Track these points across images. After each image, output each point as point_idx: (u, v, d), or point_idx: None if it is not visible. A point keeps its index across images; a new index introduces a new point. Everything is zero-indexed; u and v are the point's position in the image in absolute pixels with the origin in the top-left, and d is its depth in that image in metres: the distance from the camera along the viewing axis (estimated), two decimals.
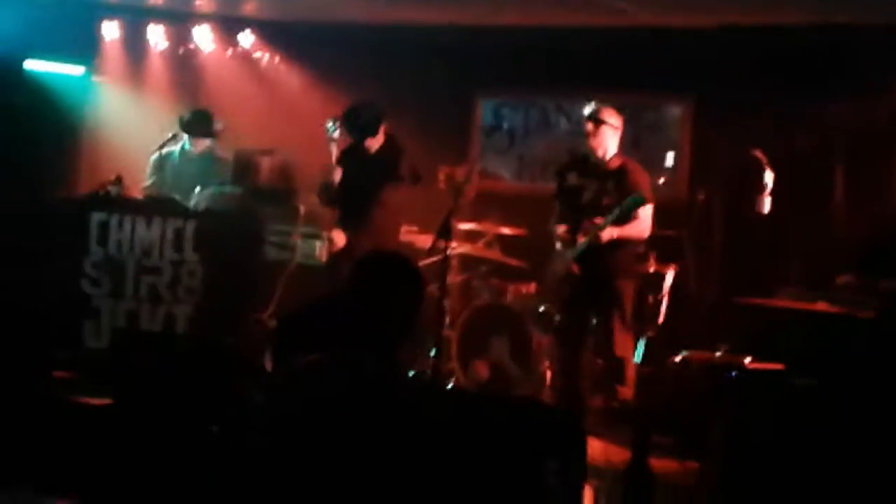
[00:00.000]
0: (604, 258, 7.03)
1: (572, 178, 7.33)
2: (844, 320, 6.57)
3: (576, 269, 7.09)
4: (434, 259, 7.48)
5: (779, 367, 6.55)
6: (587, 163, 7.27)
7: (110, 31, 10.29)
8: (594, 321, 7.19)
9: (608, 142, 7.17)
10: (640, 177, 7.16)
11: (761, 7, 7.66)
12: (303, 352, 3.49)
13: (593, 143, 7.18)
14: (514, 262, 8.54)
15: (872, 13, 7.37)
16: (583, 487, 4.23)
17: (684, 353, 6.97)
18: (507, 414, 4.54)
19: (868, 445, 5.38)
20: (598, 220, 6.96)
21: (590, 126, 7.20)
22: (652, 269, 7.65)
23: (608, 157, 7.18)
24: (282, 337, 3.91)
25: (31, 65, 9.50)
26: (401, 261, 4.06)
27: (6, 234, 7.91)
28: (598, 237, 6.95)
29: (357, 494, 3.29)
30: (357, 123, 7.79)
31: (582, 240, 7.06)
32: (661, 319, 7.64)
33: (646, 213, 7.03)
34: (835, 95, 7.66)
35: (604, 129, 7.16)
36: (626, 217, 6.96)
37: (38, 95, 9.40)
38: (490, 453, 4.08)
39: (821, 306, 6.74)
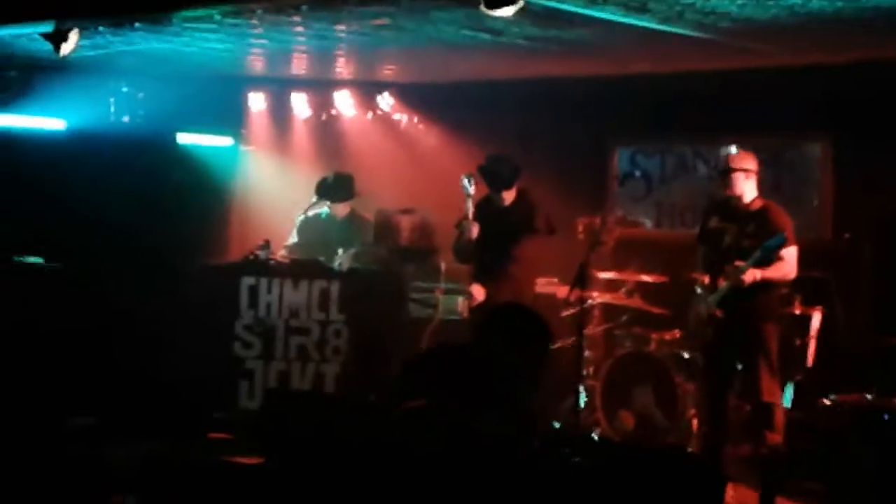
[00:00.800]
0: (747, 301, 6.95)
1: (714, 222, 7.31)
2: None
3: (719, 313, 7.04)
4: (572, 310, 7.51)
5: None
6: (728, 206, 7.23)
7: (256, 101, 10.62)
8: (739, 366, 7.10)
9: (743, 186, 7.12)
10: (782, 218, 7.07)
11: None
12: (416, 397, 3.56)
13: (729, 189, 7.16)
14: (656, 309, 8.48)
15: None
16: None
17: (833, 396, 6.86)
18: (649, 463, 4.52)
19: None
20: (739, 263, 6.91)
21: (726, 175, 7.19)
22: (798, 312, 7.53)
23: (748, 200, 7.15)
24: (401, 382, 3.96)
25: (183, 138, 9.92)
26: (526, 314, 4.10)
27: (164, 302, 8.30)
28: (740, 279, 6.88)
29: None
30: (494, 174, 7.90)
31: (723, 283, 7.01)
32: (809, 363, 7.51)
33: (790, 254, 6.93)
34: None
35: (737, 174, 7.12)
36: (769, 259, 6.88)
37: (191, 167, 9.81)
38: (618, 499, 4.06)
39: None
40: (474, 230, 7.89)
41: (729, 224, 7.17)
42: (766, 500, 5.20)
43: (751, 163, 7.17)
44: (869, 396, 6.73)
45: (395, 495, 3.39)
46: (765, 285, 6.95)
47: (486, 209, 7.96)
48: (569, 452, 3.89)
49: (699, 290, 7.31)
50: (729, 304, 6.99)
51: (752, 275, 6.85)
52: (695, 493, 4.24)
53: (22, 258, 8.57)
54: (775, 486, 5.85)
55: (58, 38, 6.98)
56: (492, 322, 3.92)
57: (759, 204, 7.16)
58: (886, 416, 6.47)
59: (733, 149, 9.07)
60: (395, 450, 3.43)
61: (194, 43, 8.16)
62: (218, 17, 7.17)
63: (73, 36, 6.99)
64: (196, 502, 5.92)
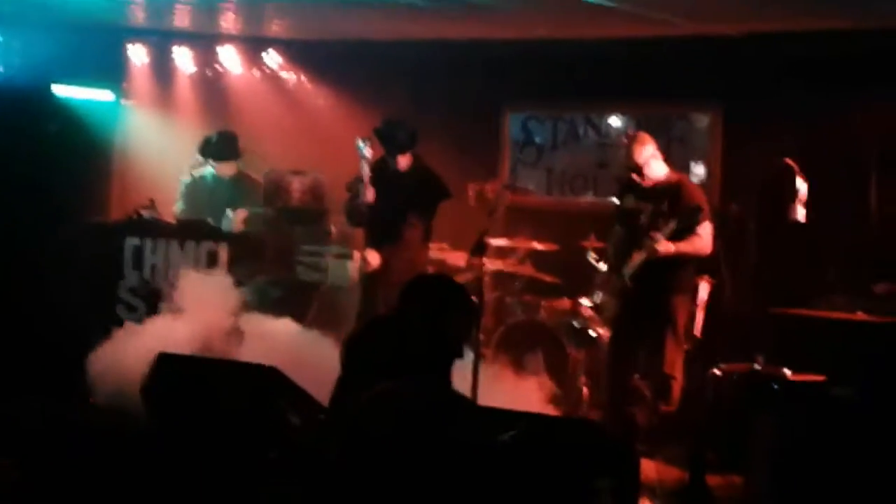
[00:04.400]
0: (660, 274, 7.01)
1: (629, 202, 7.31)
2: (885, 329, 6.57)
3: (630, 286, 7.10)
4: (469, 277, 7.50)
5: (819, 378, 6.57)
6: (641, 185, 7.23)
7: (138, 54, 10.34)
8: (645, 338, 7.17)
9: (651, 164, 7.18)
10: (696, 193, 7.18)
11: (793, 14, 7.63)
12: (369, 377, 3.55)
13: (638, 168, 7.21)
14: (547, 277, 8.50)
15: None
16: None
17: (722, 366, 6.99)
18: (557, 433, 4.58)
19: None
20: (656, 236, 6.93)
21: (629, 158, 7.25)
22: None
23: (660, 177, 7.20)
24: (348, 361, 3.94)
25: (60, 91, 9.61)
26: (452, 285, 4.10)
27: (39, 260, 8.05)
28: (654, 251, 6.94)
29: None
30: (391, 139, 7.82)
31: (638, 257, 7.06)
32: (697, 332, 7.63)
33: (705, 229, 6.98)
34: (869, 102, 7.60)
35: (641, 149, 7.19)
36: (684, 232, 6.93)
37: (68, 121, 9.47)
38: (542, 472, 4.10)
39: (859, 315, 6.74)
40: (369, 193, 7.82)
41: (643, 203, 7.20)
42: (695, 472, 5.26)
43: (653, 145, 7.24)
44: (757, 366, 6.87)
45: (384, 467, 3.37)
46: (678, 259, 7.01)
47: (381, 173, 7.89)
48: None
49: (600, 265, 7.37)
50: (642, 277, 7.04)
51: (666, 247, 6.89)
52: (610, 465, 4.32)
53: None
54: (704, 463, 5.95)
55: None
56: (419, 294, 3.90)
57: (672, 179, 7.22)
58: (776, 386, 6.62)
59: (621, 119, 9.28)
60: (381, 428, 3.41)
61: None
62: None
63: None
64: (79, 466, 5.81)
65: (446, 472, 3.42)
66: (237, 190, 8.89)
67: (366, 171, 7.81)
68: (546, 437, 4.48)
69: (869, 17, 7.49)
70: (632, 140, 7.40)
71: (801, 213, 6.87)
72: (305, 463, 4.48)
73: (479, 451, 3.61)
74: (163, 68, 10.50)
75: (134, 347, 6.92)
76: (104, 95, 9.98)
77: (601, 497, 4.23)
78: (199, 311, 7.31)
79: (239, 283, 7.76)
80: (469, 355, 6.24)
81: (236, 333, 7.16)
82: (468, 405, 3.83)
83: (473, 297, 4.24)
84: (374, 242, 7.88)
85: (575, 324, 7.97)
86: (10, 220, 8.34)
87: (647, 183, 7.21)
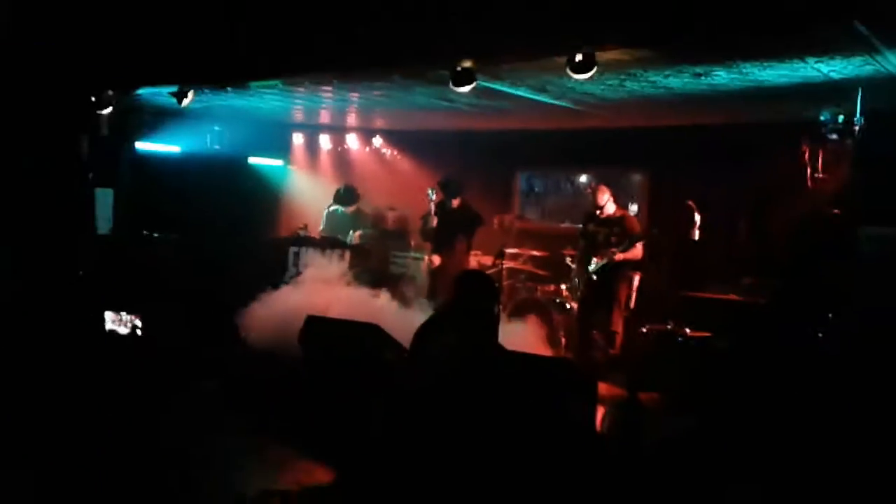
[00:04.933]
0: (613, 271, 6.98)
1: (591, 227, 7.27)
2: (750, 305, 6.47)
3: (595, 278, 7.05)
4: (494, 271, 7.47)
5: (707, 334, 6.47)
6: (600, 217, 7.22)
7: (297, 138, 10.40)
8: (600, 309, 7.08)
9: (608, 207, 7.17)
10: (634, 223, 7.17)
11: (693, 115, 7.55)
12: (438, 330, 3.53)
13: (600, 211, 7.16)
14: (541, 272, 8.41)
15: (763, 116, 7.24)
16: (596, 410, 4.23)
17: (647, 326, 6.91)
18: (546, 366, 4.53)
19: (758, 379, 5.30)
20: (613, 250, 6.91)
21: (597, 210, 7.21)
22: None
23: (611, 213, 7.17)
24: (425, 328, 3.90)
25: (252, 160, 9.73)
26: (485, 277, 4.09)
27: (243, 263, 8.09)
28: (612, 258, 6.90)
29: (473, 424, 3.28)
30: (447, 188, 7.84)
31: (599, 260, 7.01)
32: (632, 306, 7.55)
33: (639, 245, 6.99)
34: (739, 168, 7.49)
35: (604, 205, 7.16)
36: (629, 247, 6.92)
37: (257, 178, 9.62)
38: (536, 389, 4.05)
39: (732, 296, 6.64)
40: (434, 221, 7.84)
41: (601, 228, 7.17)
42: (631, 391, 5.19)
43: (607, 193, 7.21)
44: (669, 326, 6.79)
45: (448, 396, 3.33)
46: (624, 262, 6.99)
47: (441, 209, 7.90)
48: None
49: (572, 265, 7.32)
50: (601, 272, 7.00)
51: (619, 255, 6.91)
52: (577, 388, 4.26)
53: (151, 233, 8.38)
54: (635, 382, 5.86)
55: (181, 95, 6.76)
56: (465, 281, 3.87)
57: (618, 214, 7.18)
58: (680, 338, 6.53)
59: (586, 176, 9.19)
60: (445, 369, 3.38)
61: (262, 100, 7.95)
62: (279, 85, 7.00)
63: (191, 94, 6.78)
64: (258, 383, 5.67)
65: (480, 385, 3.39)
66: (355, 220, 8.94)
67: (432, 208, 7.84)
68: (540, 368, 4.44)
69: (739, 116, 7.38)
70: (595, 189, 7.35)
71: (697, 234, 6.78)
72: (394, 384, 4.44)
73: (504, 374, 3.59)
74: (312, 147, 10.52)
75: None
76: (278, 163, 10.10)
77: (572, 406, 4.18)
78: (324, 288, 7.29)
79: (354, 275, 7.75)
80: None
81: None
82: (499, 348, 3.78)
83: (496, 283, 4.19)
84: (436, 251, 7.89)
85: (557, 300, 7.90)
86: (222, 239, 8.43)
87: (603, 216, 7.16)
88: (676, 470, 3.99)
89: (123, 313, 7.03)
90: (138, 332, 6.97)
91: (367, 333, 5.25)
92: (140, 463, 4.23)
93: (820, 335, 5.27)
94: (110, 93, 7.12)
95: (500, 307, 6.75)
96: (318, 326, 5.70)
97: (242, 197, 8.93)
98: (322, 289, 7.32)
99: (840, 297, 5.35)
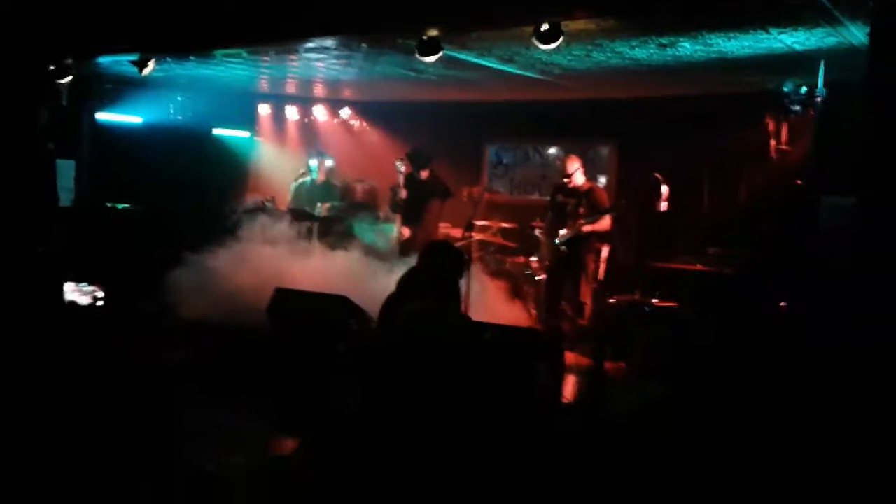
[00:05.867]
0: (581, 242, 6.98)
1: (560, 198, 7.24)
2: (713, 275, 6.55)
3: (563, 248, 7.05)
4: (462, 243, 7.49)
5: (674, 304, 6.56)
6: (568, 188, 7.18)
7: (264, 109, 10.24)
8: (568, 279, 7.10)
9: (577, 177, 7.14)
10: (602, 195, 7.14)
11: (660, 86, 7.57)
12: (404, 301, 3.51)
13: (569, 180, 7.13)
14: (510, 244, 8.43)
15: (729, 87, 7.29)
16: (563, 379, 4.28)
17: (615, 296, 6.98)
18: (515, 336, 4.57)
19: (722, 347, 5.40)
20: (581, 221, 6.91)
21: (565, 178, 7.18)
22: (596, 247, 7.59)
23: (580, 184, 7.14)
24: (392, 297, 3.85)
25: (216, 131, 9.59)
26: (452, 247, 4.08)
27: (207, 230, 7.91)
28: (579, 230, 6.90)
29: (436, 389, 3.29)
30: (415, 159, 7.80)
31: (567, 232, 7.00)
32: (600, 277, 7.61)
33: (606, 217, 6.96)
34: (704, 139, 7.53)
35: (575, 172, 7.14)
36: (597, 219, 6.92)
37: (222, 149, 9.50)
38: (506, 359, 4.09)
39: (698, 267, 6.72)
40: (403, 193, 7.81)
41: (569, 199, 7.15)
42: (598, 360, 5.25)
43: (577, 163, 7.19)
44: (636, 297, 6.87)
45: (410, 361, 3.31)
46: (590, 234, 6.99)
47: (410, 181, 7.86)
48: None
49: (545, 236, 7.34)
50: (570, 244, 7.00)
51: (586, 228, 6.89)
52: (546, 356, 4.31)
53: (114, 204, 8.24)
54: (603, 356, 5.92)
55: (141, 64, 6.62)
56: (433, 252, 3.87)
57: (587, 186, 7.16)
58: (647, 308, 6.62)
59: (556, 148, 9.20)
60: (411, 336, 3.36)
61: (227, 70, 7.81)
62: (244, 55, 6.89)
63: (151, 63, 6.63)
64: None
65: (447, 355, 3.39)
66: (324, 191, 8.87)
67: (401, 180, 7.80)
68: (508, 338, 4.48)
69: (705, 87, 7.42)
70: (564, 159, 7.34)
71: (664, 206, 6.83)
72: (360, 353, 4.45)
73: (470, 344, 3.59)
74: (279, 118, 10.39)
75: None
76: (243, 134, 9.97)
77: (542, 375, 4.23)
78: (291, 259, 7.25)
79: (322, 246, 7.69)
80: (463, 286, 6.27)
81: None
82: (463, 317, 3.79)
83: (463, 254, 4.19)
84: (406, 223, 7.87)
85: (527, 272, 7.94)
86: (189, 205, 8.31)
87: (571, 185, 7.16)
88: (641, 438, 4.06)
89: (84, 284, 6.94)
90: (99, 303, 6.88)
91: (336, 305, 5.24)
92: (102, 436, 4.20)
93: (782, 304, 5.36)
94: (69, 61, 6.94)
95: (468, 278, 6.77)
96: (286, 298, 5.69)
97: (207, 168, 8.80)
98: (289, 260, 7.27)
99: (802, 266, 5.45)
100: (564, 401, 4.62)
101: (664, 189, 6.82)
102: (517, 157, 9.60)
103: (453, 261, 3.76)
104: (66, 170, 7.99)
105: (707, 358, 5.35)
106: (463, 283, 3.93)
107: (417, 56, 5.36)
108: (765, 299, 5.44)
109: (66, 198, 7.87)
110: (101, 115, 8.66)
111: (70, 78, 7.10)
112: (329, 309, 5.32)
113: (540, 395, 3.88)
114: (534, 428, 3.55)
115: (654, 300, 6.53)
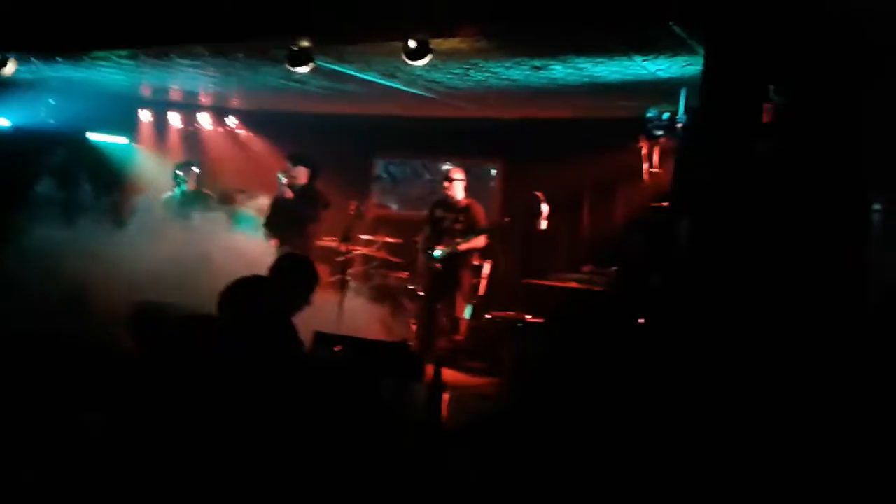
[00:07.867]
0: (456, 259, 7.08)
1: (438, 212, 7.32)
2: (586, 292, 6.73)
3: (439, 265, 7.11)
4: (342, 257, 7.45)
5: (541, 320, 6.69)
6: (447, 203, 7.27)
7: (144, 115, 9.97)
8: (446, 296, 7.18)
9: (457, 190, 7.23)
10: (480, 212, 7.24)
11: (542, 107, 7.79)
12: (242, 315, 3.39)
13: (449, 191, 7.23)
14: (394, 259, 8.49)
15: (603, 111, 7.56)
16: (416, 394, 4.27)
17: (493, 312, 7.09)
18: (384, 351, 4.55)
19: (588, 361, 5.53)
20: (458, 239, 6.99)
21: (446, 181, 7.27)
22: (476, 263, 7.64)
23: (459, 199, 7.23)
24: (220, 302, 3.63)
25: (91, 136, 9.22)
26: (304, 261, 4.04)
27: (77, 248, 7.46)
28: (456, 248, 6.99)
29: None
30: (298, 158, 7.69)
31: (443, 248, 7.07)
32: (481, 293, 7.72)
33: (483, 234, 7.12)
34: (584, 161, 7.79)
35: (454, 182, 7.23)
36: (473, 237, 7.04)
37: (97, 155, 9.12)
38: (369, 374, 4.06)
39: (572, 284, 6.89)
40: (287, 192, 7.63)
41: (447, 214, 7.22)
42: (437, 372, 5.25)
43: (461, 175, 7.28)
44: (512, 313, 6.99)
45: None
46: (468, 251, 7.10)
47: (280, 201, 7.67)
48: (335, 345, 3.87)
49: (421, 251, 7.39)
50: (445, 260, 7.08)
51: (463, 246, 7.01)
52: (409, 370, 4.32)
53: None
54: (444, 364, 5.96)
55: (0, 63, 6.31)
56: (286, 265, 3.82)
57: (465, 202, 7.26)
58: (520, 324, 6.74)
59: (448, 165, 9.28)
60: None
61: (99, 73, 7.53)
62: (115, 58, 6.67)
63: (12, 63, 6.33)
64: None
65: (296, 375, 3.34)
66: (199, 200, 8.60)
67: (283, 191, 7.69)
68: (374, 353, 4.45)
69: (582, 111, 7.67)
70: (446, 173, 7.44)
71: (543, 224, 7.00)
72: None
73: (318, 361, 3.55)
74: (160, 124, 10.12)
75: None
76: (121, 140, 9.63)
77: (408, 390, 4.22)
78: None
79: None
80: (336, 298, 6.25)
81: None
82: (295, 332, 3.63)
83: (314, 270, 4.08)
84: (277, 232, 7.41)
85: (410, 287, 7.97)
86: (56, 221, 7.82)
87: (452, 201, 7.26)
88: (487, 450, 4.11)
89: None
90: None
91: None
92: None
93: (642, 320, 5.56)
94: None
95: (343, 293, 6.74)
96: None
97: (81, 175, 8.40)
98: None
99: (662, 284, 5.68)
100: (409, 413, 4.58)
101: (544, 208, 7.00)
102: (407, 173, 9.66)
103: (302, 277, 3.73)
104: None
105: (560, 370, 5.48)
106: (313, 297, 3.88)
107: (288, 66, 5.33)
108: (625, 315, 5.62)
109: None
110: None
111: None
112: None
113: (381, 409, 3.88)
114: (365, 440, 3.53)
115: (527, 316, 6.66)
